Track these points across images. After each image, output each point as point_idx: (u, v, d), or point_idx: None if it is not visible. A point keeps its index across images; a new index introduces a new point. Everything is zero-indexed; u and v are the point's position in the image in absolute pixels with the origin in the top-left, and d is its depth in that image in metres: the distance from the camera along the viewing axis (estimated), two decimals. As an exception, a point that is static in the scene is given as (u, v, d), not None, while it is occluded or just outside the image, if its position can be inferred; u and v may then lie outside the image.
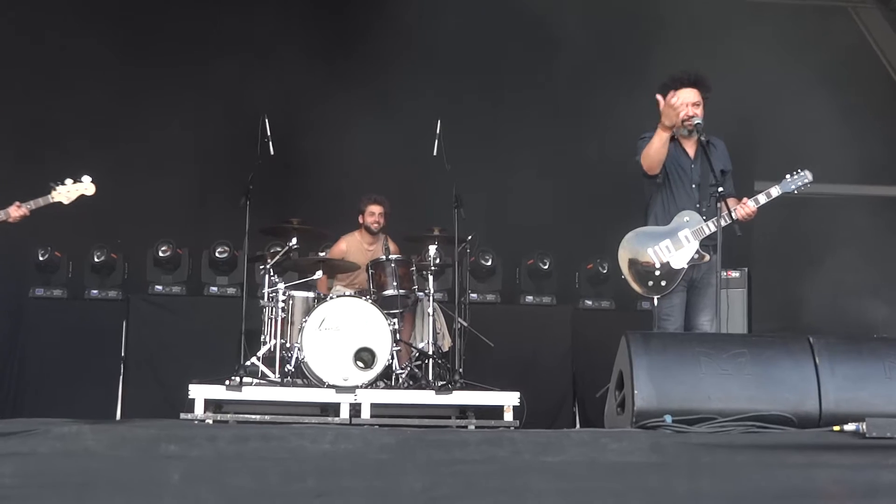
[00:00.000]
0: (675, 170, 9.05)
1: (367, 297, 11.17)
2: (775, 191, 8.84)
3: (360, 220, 12.39)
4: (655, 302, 8.95)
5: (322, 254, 11.92)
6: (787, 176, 8.88)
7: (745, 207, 8.75)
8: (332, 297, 11.06)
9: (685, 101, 8.92)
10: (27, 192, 9.96)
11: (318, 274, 11.40)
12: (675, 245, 8.89)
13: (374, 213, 12.33)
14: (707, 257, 8.85)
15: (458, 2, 14.40)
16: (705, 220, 8.84)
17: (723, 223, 8.63)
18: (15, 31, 13.57)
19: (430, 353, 11.16)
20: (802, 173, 8.87)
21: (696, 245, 8.86)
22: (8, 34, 13.46)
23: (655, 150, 8.88)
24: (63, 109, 13.75)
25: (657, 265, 8.90)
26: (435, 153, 11.21)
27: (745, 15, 14.64)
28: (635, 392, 6.69)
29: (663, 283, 8.91)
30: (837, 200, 14.95)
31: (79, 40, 13.55)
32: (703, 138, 8.88)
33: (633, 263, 9.07)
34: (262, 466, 5.87)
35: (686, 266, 8.88)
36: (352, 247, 12.31)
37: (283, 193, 13.57)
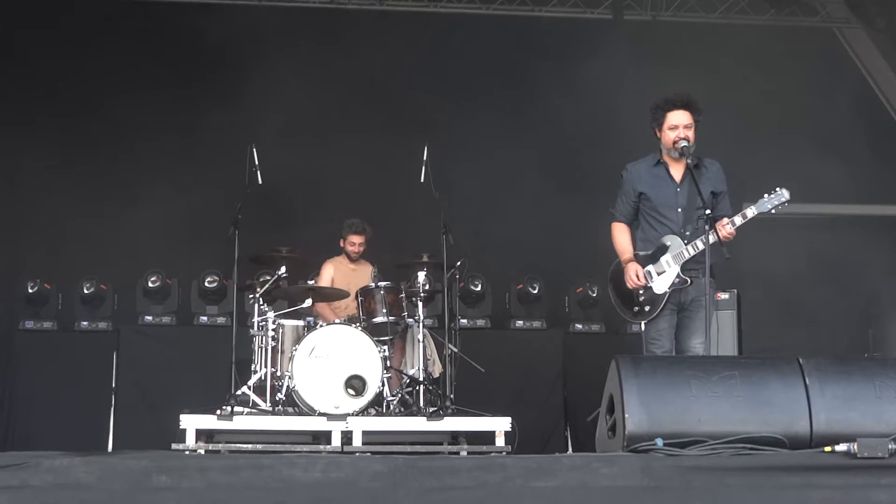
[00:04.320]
0: (657, 196, 9.09)
1: (357, 324, 11.16)
2: (751, 211, 8.81)
3: (341, 245, 12.33)
4: (643, 326, 8.98)
5: (311, 282, 11.90)
6: (765, 195, 8.84)
7: (724, 229, 8.75)
8: (321, 326, 11.05)
9: (680, 123, 8.97)
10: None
11: (308, 302, 11.37)
12: (657, 270, 8.93)
13: (354, 244, 12.25)
14: (689, 282, 8.87)
15: (447, 25, 14.51)
16: (686, 244, 8.87)
17: (700, 245, 8.66)
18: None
19: (421, 379, 11.15)
20: (779, 192, 8.81)
21: (676, 269, 8.88)
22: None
23: (615, 246, 9.24)
24: (51, 142, 13.77)
25: (640, 290, 8.94)
26: (422, 179, 11.20)
27: (731, 36, 14.71)
28: (626, 416, 6.69)
29: (647, 309, 8.94)
30: (825, 220, 14.97)
31: (71, 70, 13.68)
32: (689, 161, 8.90)
33: (618, 289, 9.13)
34: (253, 496, 5.87)
35: (668, 290, 8.90)
36: (337, 271, 12.26)
37: (271, 222, 13.56)
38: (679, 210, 8.99)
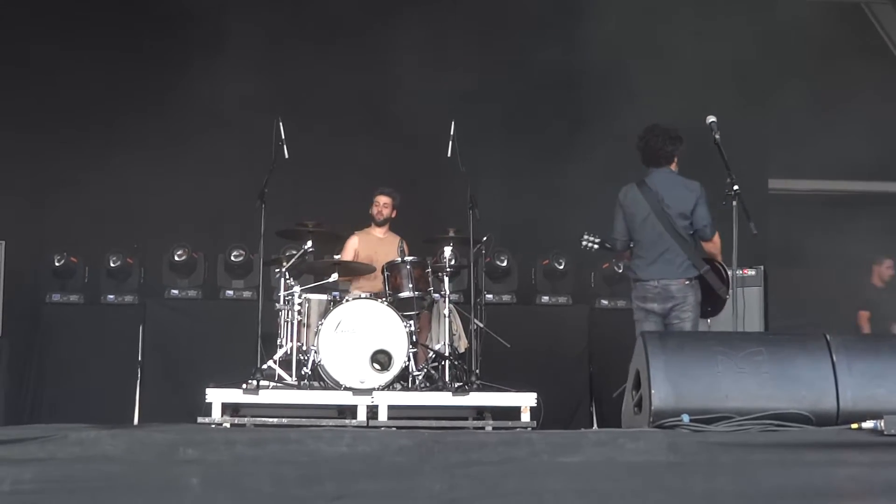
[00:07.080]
0: None
1: (383, 299, 11.16)
2: None
3: (370, 212, 12.36)
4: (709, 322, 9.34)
5: (337, 256, 11.90)
6: None
7: None
8: (347, 300, 11.05)
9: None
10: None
11: (334, 276, 11.37)
12: None
13: (378, 203, 12.27)
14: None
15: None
16: None
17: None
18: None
19: (447, 354, 11.14)
20: None
21: None
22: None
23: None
24: (78, 114, 13.79)
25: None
26: (449, 154, 11.19)
27: (759, 12, 14.63)
28: (652, 391, 6.69)
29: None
30: (851, 197, 14.91)
31: (98, 42, 13.67)
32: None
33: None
34: (280, 470, 5.88)
35: None
36: (363, 242, 12.23)
37: (297, 196, 13.56)
38: None
